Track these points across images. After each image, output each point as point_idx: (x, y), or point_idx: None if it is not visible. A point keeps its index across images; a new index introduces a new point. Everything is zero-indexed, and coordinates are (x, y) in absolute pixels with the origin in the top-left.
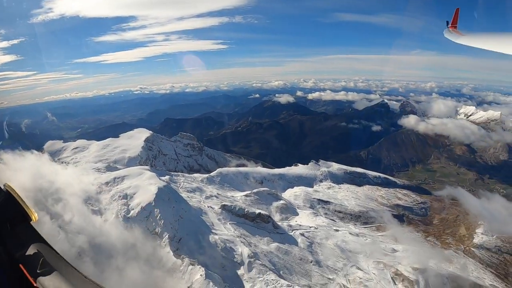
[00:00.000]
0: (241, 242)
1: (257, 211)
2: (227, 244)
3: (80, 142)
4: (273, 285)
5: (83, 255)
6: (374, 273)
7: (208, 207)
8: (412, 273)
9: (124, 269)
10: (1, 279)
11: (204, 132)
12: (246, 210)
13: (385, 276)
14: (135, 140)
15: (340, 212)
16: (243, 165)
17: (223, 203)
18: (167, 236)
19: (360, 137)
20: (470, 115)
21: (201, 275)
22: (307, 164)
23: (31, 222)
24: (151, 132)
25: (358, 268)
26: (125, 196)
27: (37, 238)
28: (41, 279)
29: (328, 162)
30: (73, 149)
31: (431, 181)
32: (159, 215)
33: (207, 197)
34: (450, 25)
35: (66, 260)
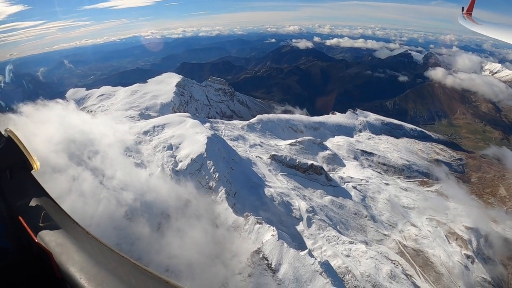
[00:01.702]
0: (297, 195)
1: (309, 162)
2: (284, 198)
3: (105, 89)
4: (335, 242)
5: (134, 216)
6: (429, 231)
7: (256, 157)
8: (465, 232)
9: (185, 230)
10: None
11: (222, 76)
12: (297, 160)
13: (439, 234)
14: (165, 85)
15: (384, 164)
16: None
17: (272, 153)
18: (223, 190)
19: (384, 87)
20: (496, 72)
21: (272, 235)
22: (344, 112)
23: (32, 172)
24: (181, 76)
25: (412, 225)
26: (170, 147)
27: (39, 189)
28: (42, 233)
29: (365, 112)
30: (98, 96)
31: (457, 136)
32: (212, 168)
33: (251, 146)
34: (465, 11)
35: (68, 215)
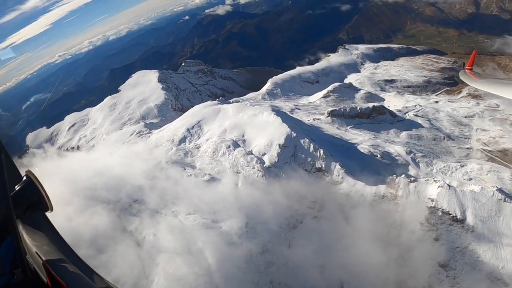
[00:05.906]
0: (384, 142)
1: (370, 104)
2: (380, 149)
3: (71, 117)
4: (450, 171)
5: (255, 246)
6: (500, 130)
7: (314, 120)
8: None
9: (324, 232)
10: (10, 264)
11: (157, 67)
12: (358, 108)
13: (508, 129)
14: (144, 85)
15: (409, 87)
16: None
17: (329, 109)
18: (337, 165)
19: (328, 22)
20: None
21: (440, 186)
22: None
23: (46, 213)
24: (156, 71)
25: (484, 130)
26: (235, 144)
27: (52, 229)
28: (57, 267)
29: (353, 45)
30: (69, 128)
31: (419, 44)
32: (311, 145)
33: (290, 112)
34: (466, 67)
35: (77, 254)
